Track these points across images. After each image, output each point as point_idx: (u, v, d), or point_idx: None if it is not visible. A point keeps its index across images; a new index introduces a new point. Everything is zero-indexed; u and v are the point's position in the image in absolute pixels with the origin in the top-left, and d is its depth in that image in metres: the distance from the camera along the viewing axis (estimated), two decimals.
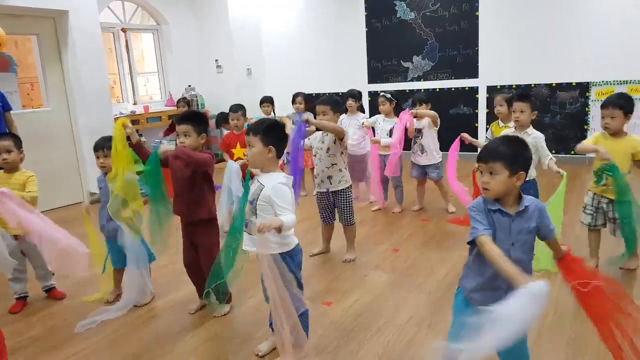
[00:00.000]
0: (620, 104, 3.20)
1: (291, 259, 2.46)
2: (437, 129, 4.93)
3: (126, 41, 7.99)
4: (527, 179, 3.50)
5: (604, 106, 3.28)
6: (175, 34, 8.42)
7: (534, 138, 3.48)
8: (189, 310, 3.22)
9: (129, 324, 3.12)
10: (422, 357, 2.57)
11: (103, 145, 3.22)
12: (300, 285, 2.54)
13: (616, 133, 3.25)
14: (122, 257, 3.26)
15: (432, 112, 4.86)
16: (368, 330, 2.87)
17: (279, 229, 2.18)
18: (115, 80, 8.06)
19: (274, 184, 2.36)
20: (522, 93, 3.70)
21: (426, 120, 4.88)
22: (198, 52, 8.67)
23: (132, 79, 8.13)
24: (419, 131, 4.93)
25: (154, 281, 3.50)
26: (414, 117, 4.86)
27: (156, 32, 8.43)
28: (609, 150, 3.20)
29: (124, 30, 7.91)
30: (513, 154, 1.90)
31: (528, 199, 1.93)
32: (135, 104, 8.10)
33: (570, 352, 2.55)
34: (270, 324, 2.70)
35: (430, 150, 4.93)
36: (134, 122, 7.40)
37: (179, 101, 7.24)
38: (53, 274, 3.56)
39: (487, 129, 7.42)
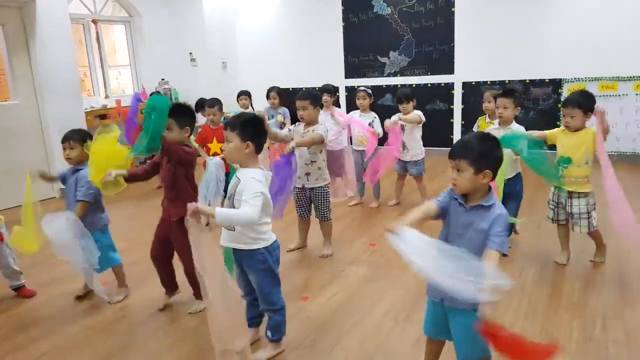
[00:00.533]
0: (580, 102, 3.24)
1: (270, 254, 2.45)
2: (420, 125, 4.94)
3: (97, 33, 7.80)
4: (513, 173, 3.61)
5: (564, 105, 3.33)
6: (148, 26, 8.25)
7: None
8: (158, 307, 3.17)
9: (101, 322, 3.06)
10: (399, 351, 2.58)
11: (69, 137, 3.15)
12: (278, 281, 2.53)
13: (576, 130, 3.30)
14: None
15: (416, 116, 4.86)
16: (345, 325, 2.86)
17: (200, 216, 2.23)
18: (86, 73, 7.87)
19: (246, 178, 2.34)
20: (507, 89, 3.74)
21: (410, 118, 4.87)
22: (172, 45, 8.52)
23: (103, 72, 7.95)
24: (402, 127, 4.91)
25: (129, 277, 3.43)
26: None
27: (128, 24, 8.26)
28: (568, 144, 3.29)
29: (94, 21, 7.72)
30: (479, 152, 1.91)
31: (494, 202, 1.93)
32: (106, 97, 7.93)
33: (542, 341, 2.58)
34: (247, 320, 2.68)
35: (413, 148, 4.95)
36: (106, 116, 7.25)
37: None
38: (21, 273, 3.46)
39: (462, 124, 7.52)
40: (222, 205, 2.51)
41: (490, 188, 1.96)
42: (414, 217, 1.98)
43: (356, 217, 4.93)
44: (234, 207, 2.36)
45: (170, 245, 3.05)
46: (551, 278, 3.31)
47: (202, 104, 5.44)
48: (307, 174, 3.78)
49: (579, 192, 3.33)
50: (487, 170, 1.90)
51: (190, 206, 2.23)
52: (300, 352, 2.62)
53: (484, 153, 1.92)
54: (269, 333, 2.57)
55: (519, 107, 3.67)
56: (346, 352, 2.60)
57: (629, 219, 3.02)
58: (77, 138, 3.16)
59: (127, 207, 5.66)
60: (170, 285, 3.21)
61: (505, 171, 3.27)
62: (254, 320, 2.69)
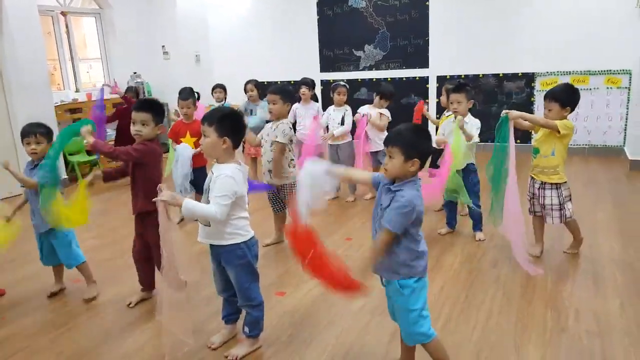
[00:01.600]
0: (558, 96, 3.29)
1: (249, 249, 2.43)
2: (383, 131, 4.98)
3: (66, 25, 7.61)
4: (465, 162, 3.67)
5: (545, 97, 3.39)
6: (119, 18, 8.08)
7: (472, 125, 3.68)
8: (128, 303, 3.13)
9: (73, 321, 2.99)
10: (375, 344, 2.58)
11: (34, 131, 3.06)
12: (257, 276, 2.51)
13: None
14: (53, 255, 3.18)
15: (384, 124, 4.94)
16: (322, 319, 2.86)
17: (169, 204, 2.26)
18: (56, 66, 7.67)
19: (218, 175, 2.30)
20: (458, 84, 3.81)
21: (378, 124, 4.95)
22: (143, 38, 8.36)
23: (73, 65, 7.77)
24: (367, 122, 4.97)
25: (99, 276, 3.36)
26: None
27: (98, 16, 8.08)
28: (538, 135, 3.38)
29: (63, 13, 7.52)
30: (410, 142, 2.01)
31: (408, 189, 2.00)
32: (77, 91, 7.75)
33: (517, 332, 2.62)
34: (224, 317, 2.65)
35: (380, 139, 4.94)
36: (76, 110, 7.09)
37: (127, 91, 6.90)
38: None
39: (436, 118, 7.56)
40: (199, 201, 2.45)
41: (417, 178, 2.05)
42: (349, 172, 2.34)
43: (332, 211, 4.91)
44: (208, 203, 2.33)
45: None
46: (525, 270, 3.35)
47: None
48: (270, 171, 3.75)
49: (550, 184, 3.37)
50: (416, 159, 1.99)
51: (163, 194, 2.24)
52: (278, 347, 2.60)
53: (415, 143, 2.01)
54: (246, 329, 2.54)
55: (471, 100, 3.77)
56: (323, 346, 2.59)
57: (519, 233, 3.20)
58: (44, 132, 3.07)
59: (95, 204, 5.54)
60: (148, 285, 3.16)
61: (459, 162, 3.48)
62: (230, 317, 2.66)
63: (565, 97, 3.29)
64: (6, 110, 6.07)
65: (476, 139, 3.68)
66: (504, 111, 3.23)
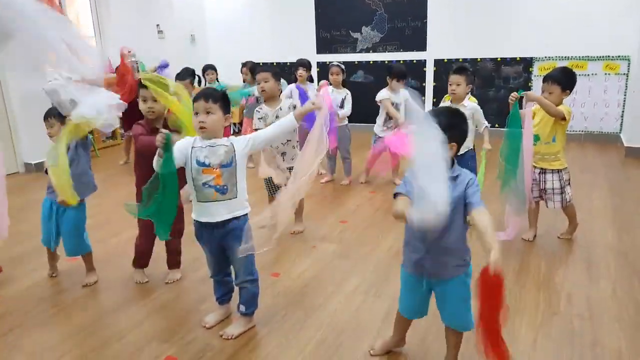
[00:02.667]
0: (559, 79, 3.28)
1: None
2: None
3: (59, 3, 7.49)
4: (465, 149, 3.68)
5: (544, 80, 3.36)
6: None
7: (470, 109, 3.67)
8: (136, 281, 3.15)
9: (69, 299, 2.99)
10: (369, 324, 2.59)
11: (47, 114, 3.05)
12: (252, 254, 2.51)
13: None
14: (52, 237, 3.12)
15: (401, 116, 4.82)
16: (316, 300, 2.87)
17: None
18: None
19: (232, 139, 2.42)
20: (459, 66, 3.80)
21: (406, 94, 4.79)
22: (138, 17, 8.22)
23: None
24: (396, 106, 4.86)
25: (98, 253, 3.35)
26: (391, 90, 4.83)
27: None
28: (538, 121, 3.35)
29: None
30: (445, 126, 1.90)
31: (460, 172, 1.96)
32: None
33: (509, 315, 2.63)
34: (218, 298, 2.66)
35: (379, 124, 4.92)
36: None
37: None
38: None
39: (433, 102, 7.54)
40: (216, 180, 2.41)
41: (454, 161, 1.97)
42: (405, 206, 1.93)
43: (327, 194, 4.91)
44: (235, 172, 2.38)
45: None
46: (519, 254, 3.37)
47: (192, 73, 5.26)
48: (283, 153, 3.73)
49: (552, 170, 3.37)
50: (453, 143, 1.95)
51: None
52: (272, 327, 2.61)
53: (452, 125, 1.95)
54: (242, 307, 2.55)
55: (470, 84, 3.75)
56: (317, 326, 2.60)
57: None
58: (56, 114, 3.05)
59: None
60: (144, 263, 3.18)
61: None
62: (224, 298, 2.67)
63: (566, 80, 3.28)
64: (0, 91, 6.00)
65: (485, 122, 3.78)
66: (522, 92, 3.22)
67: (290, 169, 3.74)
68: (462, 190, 1.91)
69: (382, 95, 4.84)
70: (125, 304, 2.90)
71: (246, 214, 2.46)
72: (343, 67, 5.07)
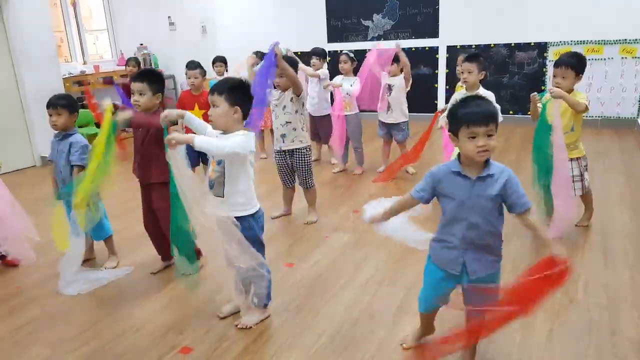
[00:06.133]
0: (573, 64, 3.20)
1: (255, 221, 2.45)
2: (407, 89, 4.87)
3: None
4: None
5: (556, 65, 3.27)
6: None
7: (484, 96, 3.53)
8: (151, 271, 3.18)
9: (88, 290, 3.03)
10: (383, 314, 2.59)
11: (55, 103, 3.08)
12: (262, 247, 2.51)
13: (567, 91, 3.23)
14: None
15: (408, 66, 4.77)
16: (330, 290, 2.87)
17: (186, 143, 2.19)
18: (63, 38, 7.62)
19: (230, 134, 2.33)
20: (471, 54, 3.73)
21: (399, 78, 4.80)
22: (149, 9, 8.26)
23: (80, 36, 7.71)
24: (389, 87, 4.85)
25: (115, 245, 3.41)
26: (393, 62, 4.79)
27: None
28: (560, 112, 3.23)
29: None
30: (494, 113, 1.88)
31: (496, 167, 1.90)
32: (85, 63, 7.72)
33: None
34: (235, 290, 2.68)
35: (396, 109, 4.86)
36: (82, 83, 7.06)
37: (128, 60, 6.85)
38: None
39: (446, 89, 7.46)
40: (211, 173, 2.44)
41: (488, 160, 1.91)
42: (393, 210, 2.13)
43: (340, 184, 4.90)
44: (224, 172, 2.35)
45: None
46: (534, 241, 3.33)
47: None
48: (283, 135, 3.72)
49: (570, 158, 3.30)
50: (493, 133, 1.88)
51: (173, 135, 2.18)
52: (286, 317, 2.62)
53: (494, 113, 1.89)
54: (255, 300, 2.56)
55: (483, 71, 3.68)
56: (331, 316, 2.61)
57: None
58: (64, 104, 3.09)
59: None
60: (165, 252, 3.18)
61: None
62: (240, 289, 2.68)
63: (579, 64, 3.22)
64: (15, 83, 6.07)
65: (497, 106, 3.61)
66: (548, 90, 3.13)
67: (290, 151, 3.75)
68: (496, 190, 1.86)
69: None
70: (141, 295, 2.93)
71: (235, 217, 2.35)
72: (352, 55, 5.03)
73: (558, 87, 3.22)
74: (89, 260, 3.40)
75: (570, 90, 3.24)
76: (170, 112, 2.40)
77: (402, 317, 2.51)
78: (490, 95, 3.55)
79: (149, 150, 2.94)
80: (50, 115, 3.11)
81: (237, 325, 2.54)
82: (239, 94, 2.35)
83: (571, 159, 3.32)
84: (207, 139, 2.28)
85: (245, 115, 2.39)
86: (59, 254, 3.37)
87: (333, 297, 2.80)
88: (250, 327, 2.53)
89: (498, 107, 3.47)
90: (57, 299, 2.94)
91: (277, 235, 3.72)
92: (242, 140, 2.29)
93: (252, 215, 2.43)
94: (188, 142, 2.17)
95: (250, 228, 2.42)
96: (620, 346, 2.26)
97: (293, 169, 3.86)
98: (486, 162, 1.90)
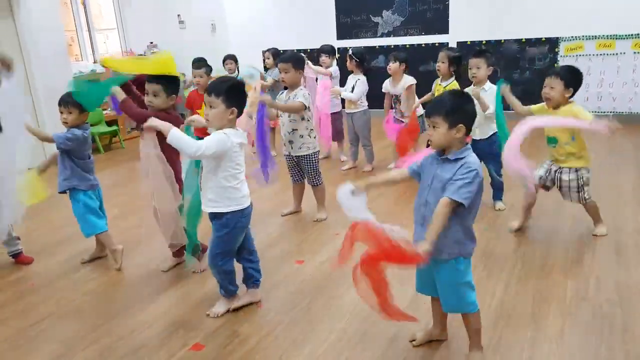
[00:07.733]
0: (562, 74, 3.08)
1: (226, 223, 2.48)
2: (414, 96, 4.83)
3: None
4: (490, 132, 3.63)
5: (548, 74, 3.18)
6: None
7: (492, 93, 3.53)
8: (162, 268, 3.20)
9: (98, 288, 3.07)
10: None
11: (66, 101, 3.10)
12: (230, 248, 2.58)
13: (557, 105, 3.13)
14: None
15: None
16: (340, 287, 2.88)
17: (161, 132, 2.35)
18: (73, 37, 7.67)
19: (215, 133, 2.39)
20: (478, 50, 3.72)
21: (401, 87, 4.78)
22: (159, 7, 8.27)
23: (90, 35, 7.75)
24: (396, 97, 4.84)
25: (124, 243, 3.42)
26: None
27: None
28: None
29: None
30: (451, 108, 1.94)
31: (468, 157, 1.94)
32: (95, 62, 7.75)
33: (536, 301, 2.61)
34: (243, 280, 2.72)
35: (410, 111, 4.83)
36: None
37: None
38: (19, 239, 3.43)
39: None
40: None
41: (466, 144, 1.98)
42: (379, 179, 2.34)
43: (349, 181, 4.88)
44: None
45: None
46: (544, 240, 3.32)
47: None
48: (290, 141, 3.75)
49: (569, 168, 3.20)
50: (460, 125, 1.93)
51: (152, 120, 2.40)
52: (296, 314, 2.63)
53: (456, 108, 1.94)
54: (222, 291, 2.67)
55: (491, 66, 3.68)
56: (342, 313, 2.62)
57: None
58: (75, 102, 3.10)
59: (112, 175, 5.68)
60: (176, 250, 3.20)
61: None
62: (246, 282, 2.75)
63: (570, 77, 3.08)
64: (26, 81, 6.12)
65: (491, 109, 3.53)
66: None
67: (299, 157, 3.76)
68: (450, 174, 1.93)
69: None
70: (152, 293, 2.95)
71: (213, 213, 2.48)
72: (350, 54, 4.99)
73: (547, 99, 3.15)
74: (100, 258, 3.42)
75: (560, 103, 3.11)
76: (199, 120, 2.57)
77: (414, 311, 2.49)
78: (493, 89, 3.56)
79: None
80: (61, 113, 3.15)
81: (208, 315, 2.63)
82: (235, 94, 2.40)
83: (569, 168, 3.20)
84: (181, 136, 2.31)
85: (239, 115, 2.44)
86: (69, 253, 3.42)
87: (344, 293, 2.80)
88: (220, 315, 2.62)
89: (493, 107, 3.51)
90: (70, 296, 2.97)
91: (287, 232, 3.73)
92: (218, 139, 2.32)
93: (225, 215, 2.46)
94: (163, 132, 2.31)
95: (218, 229, 2.48)
96: (631, 343, 2.25)
97: (301, 168, 3.88)
98: (462, 146, 1.97)
